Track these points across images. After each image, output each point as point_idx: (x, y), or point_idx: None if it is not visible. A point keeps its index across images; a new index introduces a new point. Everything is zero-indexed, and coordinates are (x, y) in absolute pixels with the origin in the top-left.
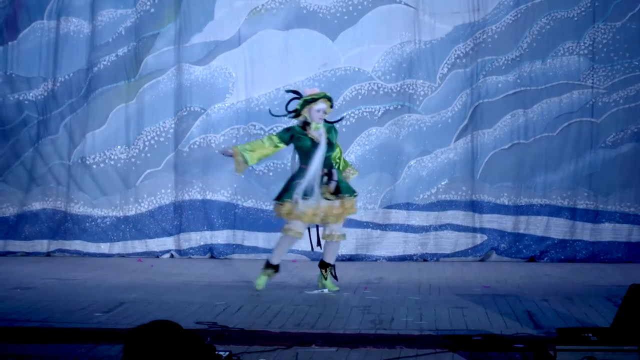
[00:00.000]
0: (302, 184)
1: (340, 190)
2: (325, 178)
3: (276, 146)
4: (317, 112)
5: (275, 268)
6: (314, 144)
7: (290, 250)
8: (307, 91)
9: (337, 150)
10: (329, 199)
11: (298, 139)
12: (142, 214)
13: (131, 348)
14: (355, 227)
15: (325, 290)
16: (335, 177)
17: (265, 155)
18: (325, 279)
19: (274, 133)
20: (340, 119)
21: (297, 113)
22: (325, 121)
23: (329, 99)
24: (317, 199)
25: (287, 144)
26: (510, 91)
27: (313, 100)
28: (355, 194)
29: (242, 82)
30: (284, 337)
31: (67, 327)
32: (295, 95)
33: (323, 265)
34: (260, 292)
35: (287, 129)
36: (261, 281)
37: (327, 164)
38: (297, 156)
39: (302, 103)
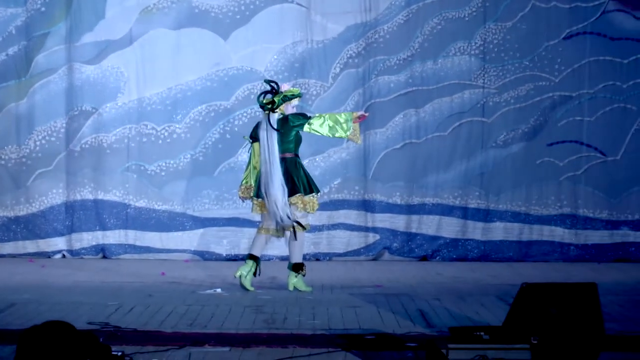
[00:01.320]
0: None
1: None
2: None
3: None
4: (292, 109)
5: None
6: None
7: (182, 250)
8: (284, 87)
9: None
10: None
11: None
12: (34, 214)
13: (25, 349)
14: (247, 226)
15: (218, 290)
16: None
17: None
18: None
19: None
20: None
21: (274, 106)
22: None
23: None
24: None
25: None
26: (402, 91)
27: (293, 97)
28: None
29: (133, 82)
30: (177, 337)
31: None
32: (269, 89)
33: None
34: (152, 292)
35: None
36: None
37: None
38: (294, 147)
39: (283, 98)
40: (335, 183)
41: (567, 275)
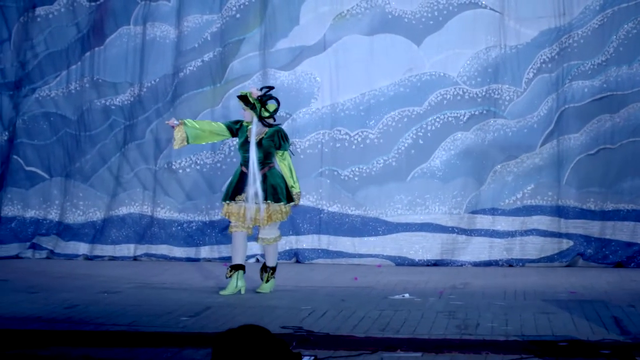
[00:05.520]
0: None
1: (266, 196)
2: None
3: (220, 134)
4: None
5: (237, 267)
6: (244, 143)
7: (374, 255)
8: (255, 92)
9: (279, 156)
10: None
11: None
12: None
13: (220, 352)
14: (440, 232)
15: (406, 295)
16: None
17: (207, 139)
18: (262, 280)
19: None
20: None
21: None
22: (263, 123)
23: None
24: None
25: (232, 134)
26: (596, 96)
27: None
28: (282, 202)
29: (327, 87)
30: (369, 342)
31: (154, 331)
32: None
33: (263, 268)
34: (345, 297)
35: (237, 121)
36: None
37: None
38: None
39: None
40: (528, 188)
41: None
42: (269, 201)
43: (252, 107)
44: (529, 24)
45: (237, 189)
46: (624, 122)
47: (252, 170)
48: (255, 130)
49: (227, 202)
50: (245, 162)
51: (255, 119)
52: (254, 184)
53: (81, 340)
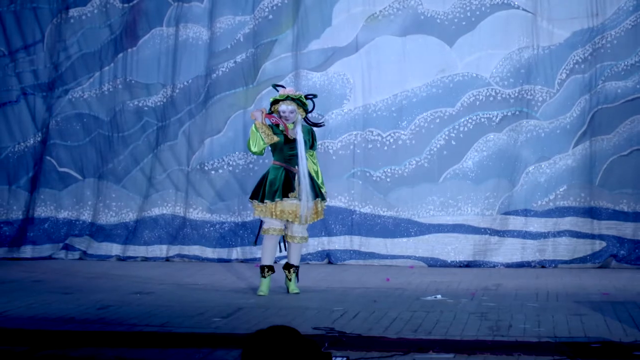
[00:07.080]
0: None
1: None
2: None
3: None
4: (282, 113)
5: (270, 269)
6: (288, 141)
7: (406, 256)
8: (283, 91)
9: (309, 155)
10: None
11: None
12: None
13: (250, 353)
14: (473, 233)
15: (438, 296)
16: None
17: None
18: (289, 280)
19: None
20: (320, 125)
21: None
22: (307, 122)
23: (295, 100)
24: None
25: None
26: (629, 97)
27: (276, 101)
28: (318, 198)
29: (359, 88)
30: (401, 343)
31: (186, 331)
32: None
33: (287, 266)
34: (377, 298)
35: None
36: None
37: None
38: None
39: (271, 102)
40: (560, 190)
41: None
42: (318, 198)
43: (302, 105)
44: (562, 24)
45: (286, 187)
46: None
47: (303, 167)
48: (299, 129)
49: (278, 200)
50: (287, 160)
51: (299, 118)
52: (305, 180)
53: (114, 341)
